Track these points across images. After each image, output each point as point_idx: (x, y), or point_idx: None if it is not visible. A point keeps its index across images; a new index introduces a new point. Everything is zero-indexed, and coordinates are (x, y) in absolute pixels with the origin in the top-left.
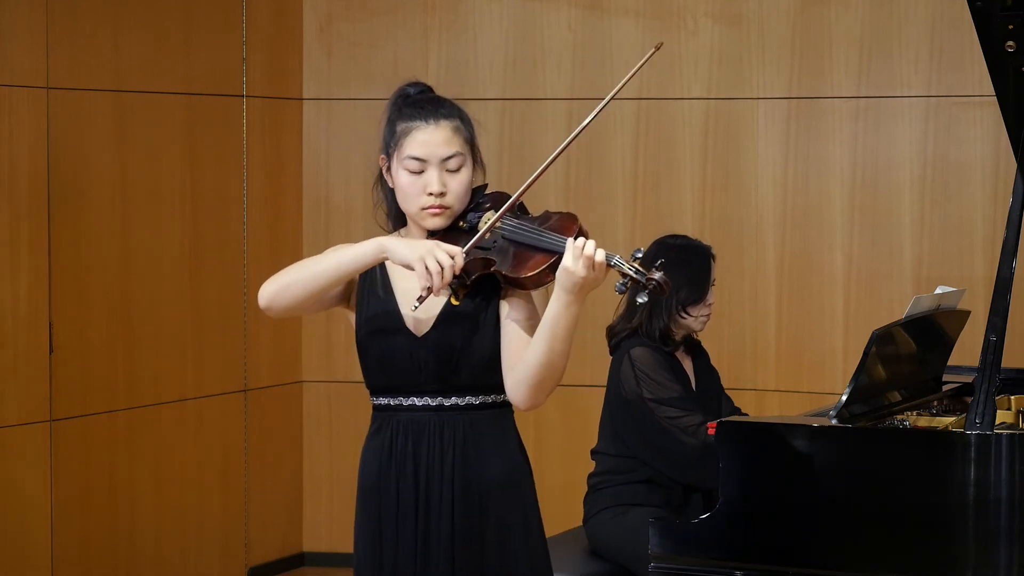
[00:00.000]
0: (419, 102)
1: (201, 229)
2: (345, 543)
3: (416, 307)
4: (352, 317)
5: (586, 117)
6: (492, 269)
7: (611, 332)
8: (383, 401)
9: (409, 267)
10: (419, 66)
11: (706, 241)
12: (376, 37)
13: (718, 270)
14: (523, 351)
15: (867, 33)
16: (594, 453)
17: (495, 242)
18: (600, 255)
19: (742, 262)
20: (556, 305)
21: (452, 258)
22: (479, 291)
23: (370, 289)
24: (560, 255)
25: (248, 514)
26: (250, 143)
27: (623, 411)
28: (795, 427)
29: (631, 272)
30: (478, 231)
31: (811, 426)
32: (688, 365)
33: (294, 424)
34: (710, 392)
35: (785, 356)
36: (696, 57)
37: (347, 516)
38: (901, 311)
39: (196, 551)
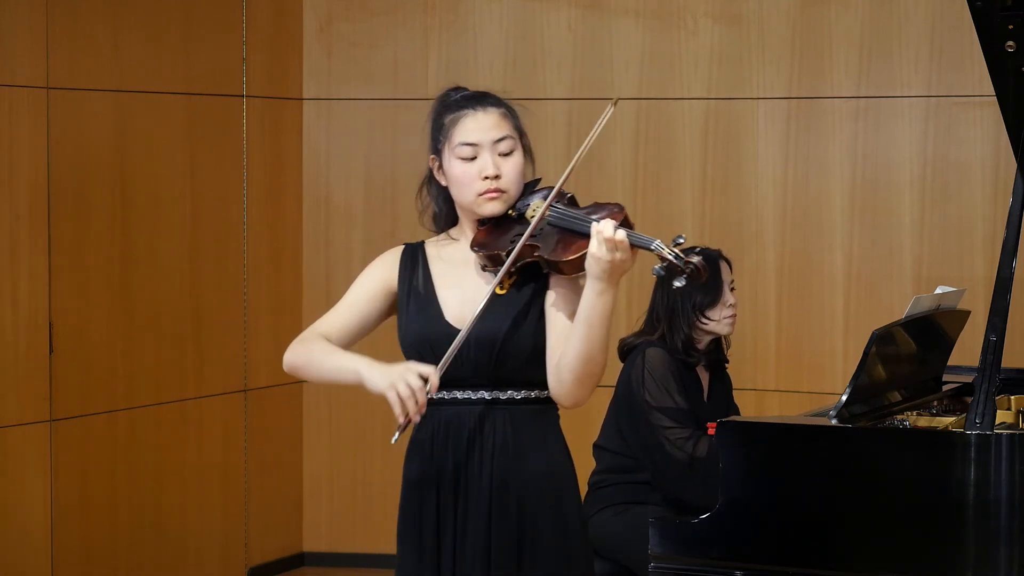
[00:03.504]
0: (465, 96)
1: (201, 229)
2: (345, 543)
3: (395, 438)
4: (395, 318)
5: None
6: (536, 255)
7: (624, 344)
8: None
9: (378, 393)
10: (419, 66)
11: (706, 242)
12: (376, 37)
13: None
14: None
15: (867, 33)
16: (596, 448)
17: (541, 229)
18: (620, 233)
19: (742, 262)
20: (589, 294)
21: (426, 380)
22: (526, 281)
23: (411, 286)
24: None
25: (248, 514)
26: (250, 143)
27: (627, 409)
28: (795, 427)
29: (670, 256)
30: (526, 219)
31: (811, 426)
32: (705, 378)
33: (294, 424)
34: (721, 403)
35: (785, 356)
36: (696, 57)
37: (347, 516)
38: (901, 311)
39: (196, 551)
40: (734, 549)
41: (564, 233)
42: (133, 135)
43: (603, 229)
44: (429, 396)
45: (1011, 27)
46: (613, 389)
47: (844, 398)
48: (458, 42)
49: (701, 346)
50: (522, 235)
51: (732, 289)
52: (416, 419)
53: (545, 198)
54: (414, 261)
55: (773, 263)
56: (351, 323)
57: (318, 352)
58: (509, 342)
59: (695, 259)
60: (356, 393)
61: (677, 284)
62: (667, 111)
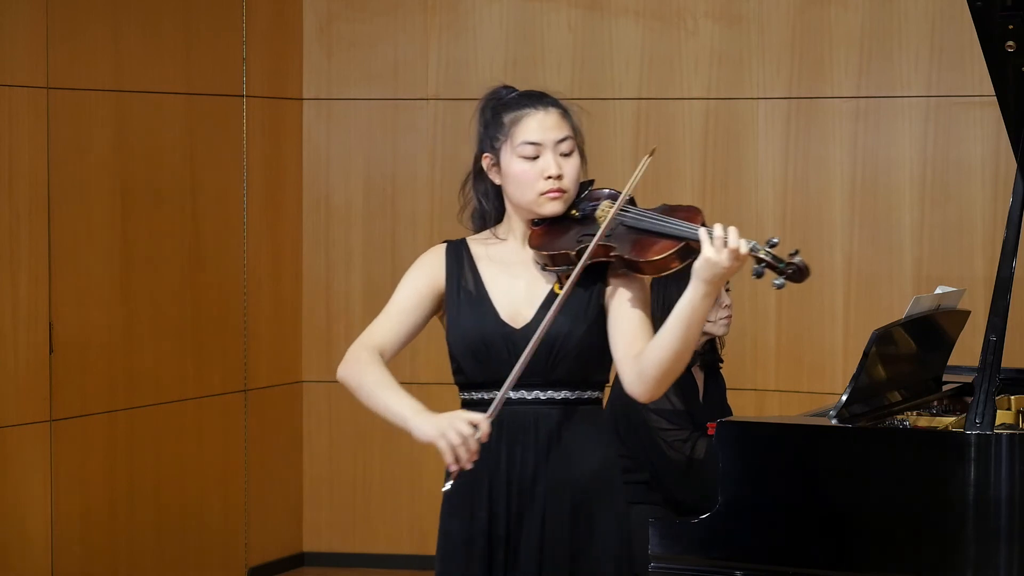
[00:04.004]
0: (523, 94)
1: (201, 229)
2: (345, 543)
3: (447, 487)
4: (443, 318)
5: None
6: (612, 255)
7: None
8: (477, 396)
9: (429, 442)
10: (419, 66)
11: None
12: (376, 37)
13: None
14: (639, 340)
15: (867, 33)
16: None
17: (612, 230)
18: (744, 245)
19: None
20: (692, 295)
21: (476, 427)
22: (584, 282)
23: (460, 285)
24: (687, 242)
25: (248, 514)
26: (250, 143)
27: (624, 411)
28: (795, 427)
29: (767, 258)
30: (595, 219)
31: (811, 426)
32: (700, 378)
33: (294, 424)
34: (716, 403)
35: (785, 356)
36: (696, 57)
37: (347, 516)
38: (901, 311)
39: (196, 551)
40: (734, 549)
41: (641, 234)
42: (133, 135)
43: (727, 238)
44: (479, 442)
45: (1011, 27)
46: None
47: (844, 398)
48: (458, 42)
49: (697, 347)
50: (589, 235)
51: (727, 290)
52: (468, 466)
53: (612, 199)
54: (459, 260)
55: None
56: (403, 330)
57: (369, 383)
58: (569, 342)
59: (797, 259)
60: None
61: (777, 284)
62: (667, 111)
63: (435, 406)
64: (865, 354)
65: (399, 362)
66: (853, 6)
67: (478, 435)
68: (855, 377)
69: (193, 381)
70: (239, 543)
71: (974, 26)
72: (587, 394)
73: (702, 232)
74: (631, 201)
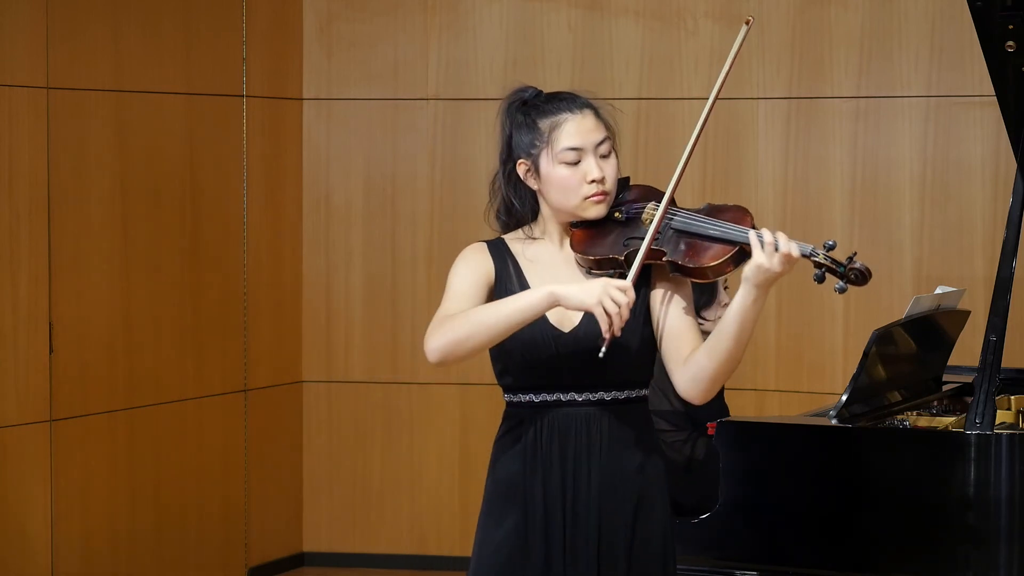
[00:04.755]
0: (553, 96)
1: (201, 229)
2: (345, 543)
3: (603, 353)
4: None
5: None
6: (664, 259)
7: None
8: (525, 398)
9: (587, 311)
10: (419, 66)
11: None
12: (376, 37)
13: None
14: (690, 342)
15: (867, 33)
16: None
17: (660, 234)
18: (796, 250)
19: None
20: (744, 300)
21: (625, 292)
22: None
23: (506, 288)
24: (741, 246)
25: (248, 514)
26: (250, 143)
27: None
28: (795, 427)
29: (827, 262)
30: (640, 222)
31: (811, 426)
32: None
33: (294, 424)
34: (713, 406)
35: (785, 356)
36: (696, 57)
37: (347, 516)
38: (901, 311)
39: (196, 551)
40: (734, 549)
41: (692, 238)
42: (133, 135)
43: (776, 241)
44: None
45: (1011, 27)
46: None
47: (844, 398)
48: (458, 42)
49: None
50: (635, 238)
51: (725, 287)
52: (619, 333)
53: (655, 201)
54: (503, 258)
55: None
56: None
57: (479, 313)
58: (618, 346)
59: (857, 264)
60: (356, 393)
61: (838, 288)
62: (667, 111)
63: (436, 406)
64: (865, 354)
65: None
66: (853, 6)
67: (627, 300)
68: (855, 377)
69: (193, 381)
70: (239, 543)
71: (974, 26)
72: (635, 393)
73: (752, 236)
74: (673, 202)
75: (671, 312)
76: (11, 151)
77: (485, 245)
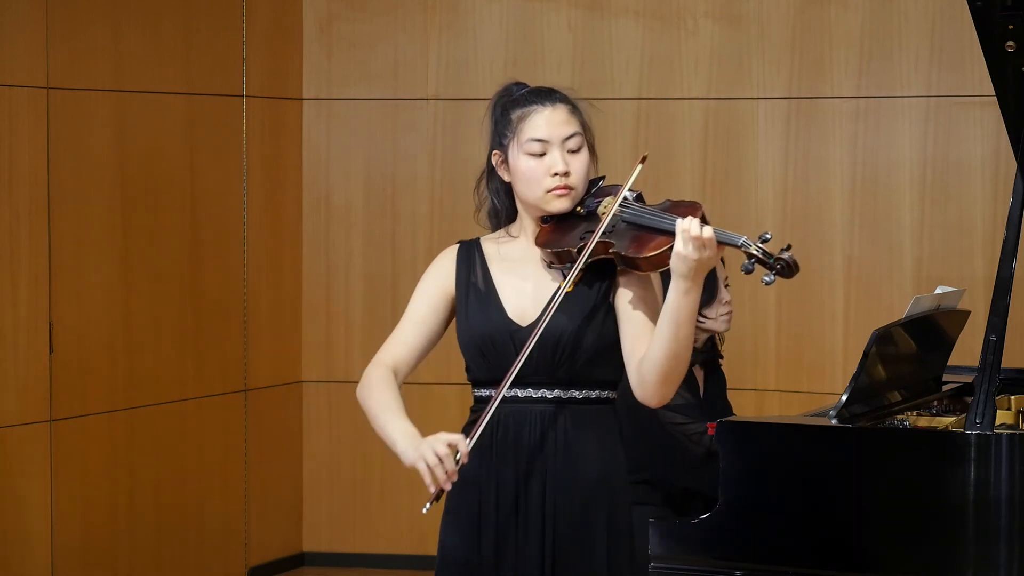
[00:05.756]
0: (532, 91)
1: (201, 229)
2: (345, 543)
3: (427, 508)
4: (455, 318)
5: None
6: (611, 251)
7: None
8: (485, 393)
9: (408, 465)
10: (419, 66)
11: None
12: (376, 37)
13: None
14: (643, 344)
15: (867, 33)
16: None
17: (614, 226)
18: (708, 231)
19: (742, 262)
20: (675, 293)
21: (453, 447)
22: (592, 280)
23: (470, 284)
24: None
25: (248, 514)
26: (250, 143)
27: (627, 412)
28: (795, 427)
29: (758, 252)
30: (598, 216)
31: (811, 426)
32: (700, 376)
33: (294, 424)
34: (717, 399)
35: (785, 356)
36: (696, 57)
37: (347, 516)
38: (901, 311)
39: (196, 551)
40: (734, 549)
41: (640, 230)
42: (133, 135)
43: (690, 227)
44: (459, 464)
45: (1011, 27)
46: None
47: (844, 398)
48: (458, 42)
49: (698, 344)
50: (591, 231)
51: (726, 286)
52: (447, 487)
53: (615, 195)
54: (471, 259)
55: None
56: (418, 342)
57: (373, 406)
58: (574, 341)
59: (786, 255)
60: (356, 393)
61: (767, 280)
62: (667, 111)
63: (436, 406)
64: (865, 354)
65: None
66: (853, 6)
67: (457, 456)
68: (855, 377)
69: (193, 381)
70: (239, 543)
71: (974, 26)
72: (595, 394)
73: (678, 225)
74: (639, 198)
75: (628, 312)
76: (11, 151)
77: (456, 249)
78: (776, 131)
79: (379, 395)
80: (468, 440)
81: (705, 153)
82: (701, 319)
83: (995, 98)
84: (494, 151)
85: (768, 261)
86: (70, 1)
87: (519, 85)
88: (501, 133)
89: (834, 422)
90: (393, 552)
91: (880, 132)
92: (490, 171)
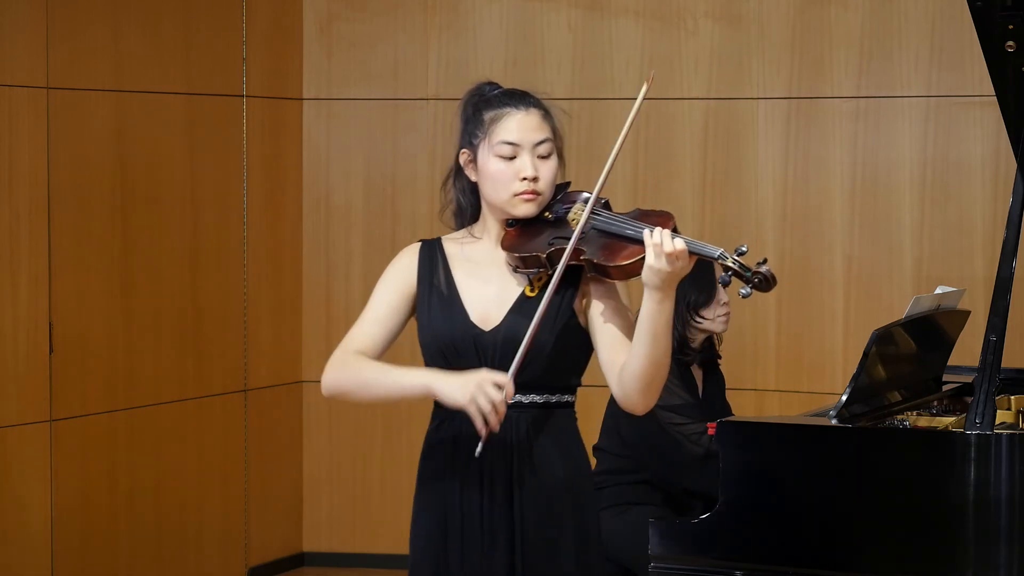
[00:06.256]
0: (506, 92)
1: (201, 229)
2: (345, 543)
3: (479, 452)
4: (415, 319)
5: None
6: (582, 259)
7: None
8: None
9: (458, 408)
10: (419, 66)
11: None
12: (376, 37)
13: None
14: (621, 351)
15: (867, 33)
16: (595, 450)
17: (584, 233)
18: (679, 244)
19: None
20: (649, 304)
21: (502, 388)
22: (557, 285)
23: (432, 285)
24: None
25: (248, 514)
26: (250, 143)
27: (627, 412)
28: (795, 427)
29: (735, 266)
30: (567, 222)
31: (811, 426)
32: (699, 376)
33: (294, 424)
34: (716, 399)
35: (785, 356)
36: (696, 57)
37: (347, 516)
38: (901, 311)
39: (196, 551)
40: (734, 549)
41: (610, 238)
42: (133, 135)
43: (661, 241)
44: (505, 403)
45: (1011, 27)
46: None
47: (844, 398)
48: (458, 42)
49: (695, 345)
50: (561, 238)
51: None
52: (497, 429)
53: (584, 202)
54: (433, 259)
55: (773, 263)
56: (380, 336)
57: (369, 372)
58: (536, 345)
59: (763, 268)
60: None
61: (743, 293)
62: (667, 111)
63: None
64: (865, 354)
65: (400, 361)
66: (853, 6)
67: (503, 396)
68: (855, 377)
69: (193, 381)
70: (239, 543)
71: (974, 26)
72: (555, 398)
73: (647, 239)
74: (606, 205)
75: (602, 320)
76: (11, 151)
77: (418, 248)
78: (776, 131)
79: (367, 363)
80: (510, 377)
81: (705, 153)
82: (699, 320)
83: (995, 98)
84: (463, 150)
85: (745, 275)
86: (70, 1)
87: (492, 85)
88: (472, 132)
89: (834, 422)
90: (393, 552)
91: (880, 132)
92: (457, 170)
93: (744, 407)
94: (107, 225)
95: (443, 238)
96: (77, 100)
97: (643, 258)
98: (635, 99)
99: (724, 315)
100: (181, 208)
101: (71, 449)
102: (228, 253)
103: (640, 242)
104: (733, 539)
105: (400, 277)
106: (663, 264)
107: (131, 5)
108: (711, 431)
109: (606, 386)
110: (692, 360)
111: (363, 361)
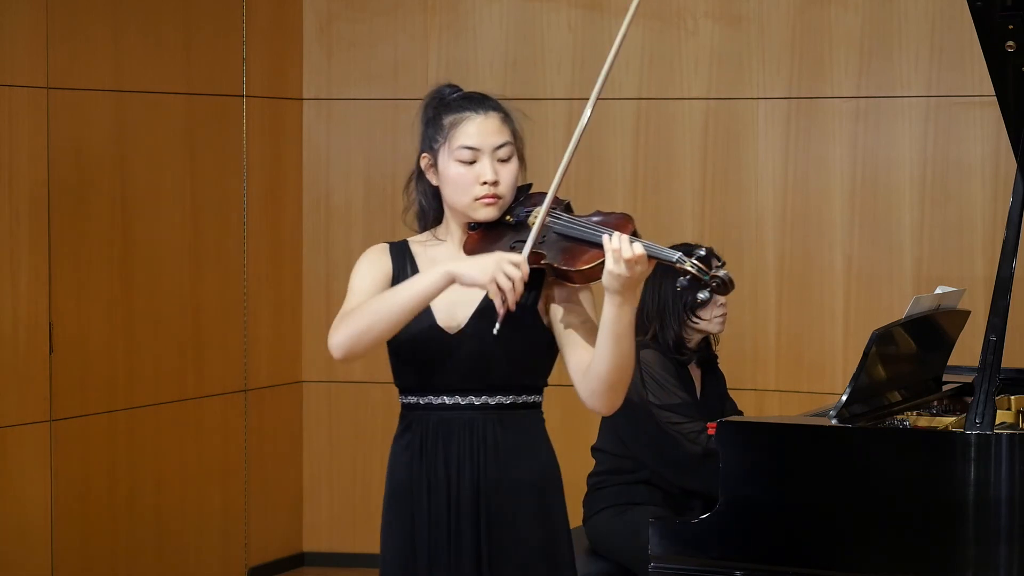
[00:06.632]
0: (465, 96)
1: (201, 229)
2: (345, 543)
3: (498, 329)
4: None
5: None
6: (542, 263)
7: None
8: (413, 400)
9: (480, 287)
10: (419, 66)
11: (706, 241)
12: (376, 37)
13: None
14: (586, 353)
15: (867, 33)
16: (594, 450)
17: (544, 237)
18: (638, 249)
19: (742, 262)
20: (610, 308)
21: (518, 267)
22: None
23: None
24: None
25: (248, 514)
26: (250, 143)
27: (626, 412)
28: (795, 427)
29: (692, 269)
30: (527, 225)
31: (811, 426)
32: (697, 375)
33: (294, 424)
34: (714, 398)
35: (785, 356)
36: (696, 57)
37: (347, 516)
38: (901, 311)
39: (196, 551)
40: (734, 549)
41: (570, 242)
42: (133, 135)
43: (620, 247)
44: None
45: (1011, 27)
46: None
47: (844, 398)
48: (458, 42)
49: (692, 344)
50: (520, 241)
51: None
52: (514, 308)
53: (543, 204)
54: (403, 261)
55: (773, 263)
56: None
57: (377, 303)
58: (499, 347)
59: (721, 272)
60: (356, 393)
61: (702, 297)
62: (667, 111)
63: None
64: (865, 354)
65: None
66: (853, 6)
67: (520, 274)
68: (855, 377)
69: (193, 381)
70: (239, 543)
71: (974, 26)
72: (522, 399)
73: (606, 244)
74: (567, 208)
75: (566, 323)
76: (11, 151)
77: (387, 246)
78: (776, 131)
79: (369, 301)
80: (524, 258)
81: (705, 153)
82: (695, 320)
83: (995, 98)
84: (423, 154)
85: (703, 278)
86: (70, 1)
87: (452, 88)
88: (432, 137)
89: (834, 422)
90: None
91: (880, 132)
92: (419, 173)
93: (744, 407)
94: (107, 225)
95: (409, 240)
96: (77, 100)
97: (603, 262)
98: (635, 99)
99: (721, 316)
100: (181, 208)
101: (71, 449)
102: (228, 253)
103: (600, 246)
104: (733, 539)
105: (376, 267)
106: (622, 269)
107: (131, 5)
108: (711, 431)
109: None
110: (689, 360)
111: (365, 303)
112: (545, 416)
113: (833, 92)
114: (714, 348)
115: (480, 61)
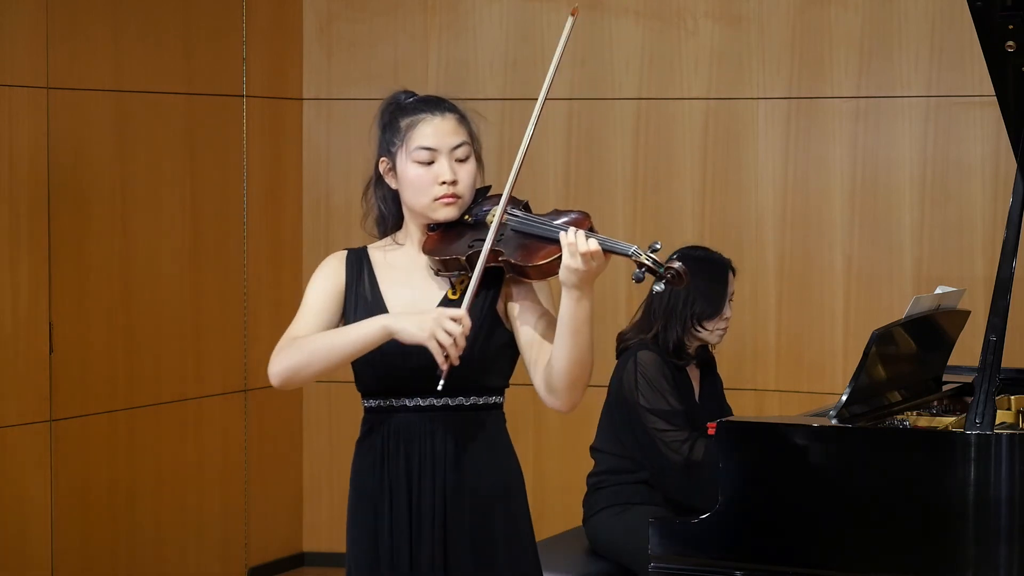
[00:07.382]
0: (421, 99)
1: (201, 229)
2: (344, 543)
3: (442, 385)
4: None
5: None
6: (500, 260)
7: (621, 339)
8: (374, 403)
9: (419, 344)
10: (419, 66)
11: (706, 242)
12: (376, 37)
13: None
14: (544, 350)
15: (867, 33)
16: (593, 450)
17: (502, 235)
18: (593, 243)
19: (742, 262)
20: (568, 303)
21: (458, 322)
22: (478, 287)
23: (359, 292)
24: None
25: (248, 514)
26: (250, 143)
27: (622, 410)
28: (795, 427)
29: (648, 262)
30: (486, 224)
31: (811, 426)
32: (696, 376)
33: (294, 424)
34: (712, 400)
35: (785, 356)
36: (696, 57)
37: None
38: (901, 311)
39: (196, 551)
40: (734, 549)
41: (527, 238)
42: (133, 135)
43: (576, 241)
44: (463, 336)
45: (1011, 27)
46: (607, 390)
47: (844, 398)
48: (458, 42)
49: (691, 350)
50: (480, 240)
51: (730, 301)
52: (457, 362)
53: (506, 204)
54: (359, 267)
55: (773, 263)
56: (321, 327)
57: (318, 341)
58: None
59: (676, 265)
60: (356, 393)
61: (657, 288)
62: (667, 111)
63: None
64: (865, 354)
65: None
66: (853, 6)
67: (461, 329)
68: (855, 377)
69: (193, 381)
70: (239, 543)
71: (974, 26)
72: (482, 400)
73: (562, 239)
74: (526, 207)
75: (527, 324)
76: (11, 151)
77: (345, 254)
78: (776, 131)
79: (312, 336)
80: (465, 310)
81: (705, 153)
82: (698, 330)
83: (995, 98)
84: (381, 158)
85: (658, 271)
86: (70, 1)
87: (407, 93)
88: (389, 140)
89: (834, 422)
90: None
91: (880, 132)
92: (377, 178)
93: (744, 407)
94: (107, 225)
95: (368, 247)
96: (77, 100)
97: (559, 257)
98: (635, 99)
99: (723, 330)
100: (181, 208)
101: (71, 449)
102: (228, 253)
103: (557, 242)
104: (733, 539)
105: (330, 280)
106: (578, 263)
107: (131, 5)
108: (711, 431)
109: (602, 386)
110: (687, 363)
111: (308, 337)
112: (544, 417)
113: (833, 92)
114: (711, 349)
115: (480, 61)
